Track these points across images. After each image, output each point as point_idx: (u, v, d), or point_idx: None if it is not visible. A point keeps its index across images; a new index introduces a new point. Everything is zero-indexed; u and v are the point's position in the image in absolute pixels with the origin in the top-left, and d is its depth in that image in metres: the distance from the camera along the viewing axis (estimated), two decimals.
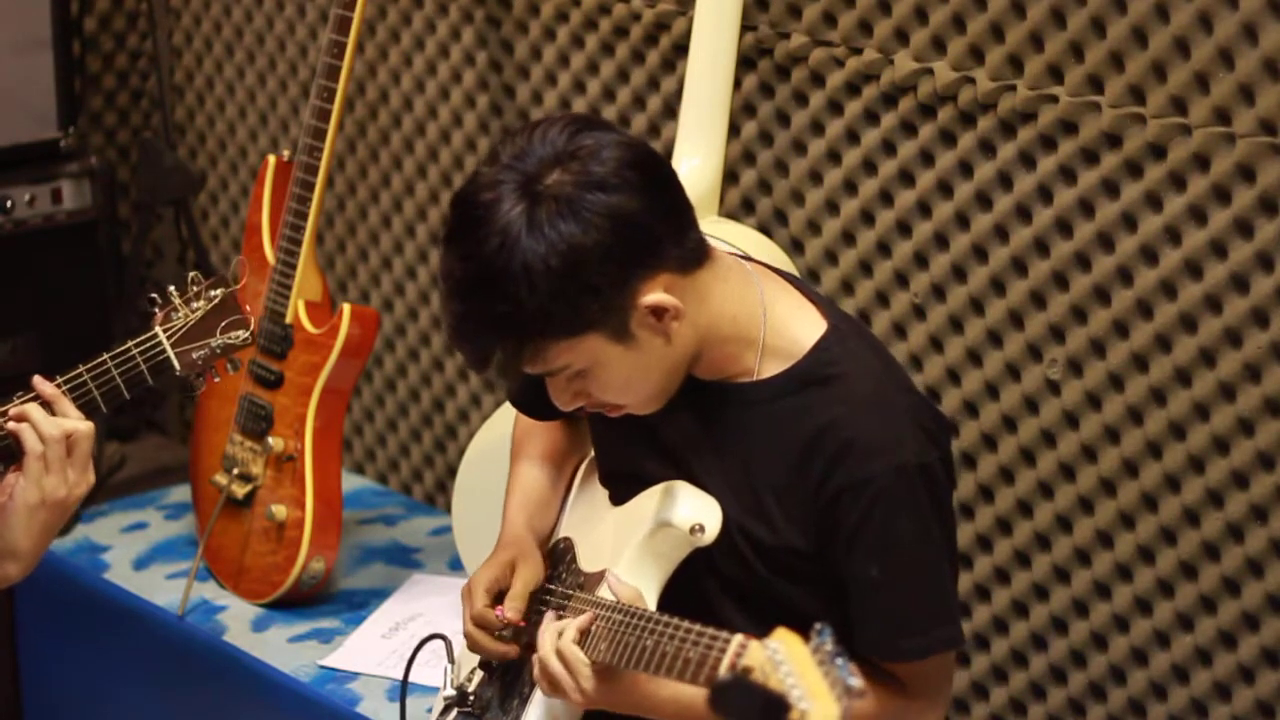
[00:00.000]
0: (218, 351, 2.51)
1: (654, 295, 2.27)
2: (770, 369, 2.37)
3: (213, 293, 2.53)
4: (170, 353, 2.49)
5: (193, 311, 2.51)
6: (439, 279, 2.31)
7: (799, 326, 2.38)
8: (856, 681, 1.78)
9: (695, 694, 2.31)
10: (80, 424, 2.41)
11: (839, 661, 1.79)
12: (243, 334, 2.52)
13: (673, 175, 2.33)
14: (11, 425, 2.40)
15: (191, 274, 2.55)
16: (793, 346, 2.37)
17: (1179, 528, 2.81)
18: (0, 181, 3.77)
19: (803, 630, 1.85)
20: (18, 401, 2.42)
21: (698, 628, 2.14)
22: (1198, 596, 2.81)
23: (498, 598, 2.52)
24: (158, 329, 2.50)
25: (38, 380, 2.43)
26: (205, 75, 4.05)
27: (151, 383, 2.46)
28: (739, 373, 2.38)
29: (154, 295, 2.54)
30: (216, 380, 2.54)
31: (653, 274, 2.27)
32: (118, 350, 2.47)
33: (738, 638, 2.02)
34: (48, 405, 2.42)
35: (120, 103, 4.16)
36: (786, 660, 1.82)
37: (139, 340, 2.48)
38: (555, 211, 2.22)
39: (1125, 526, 2.86)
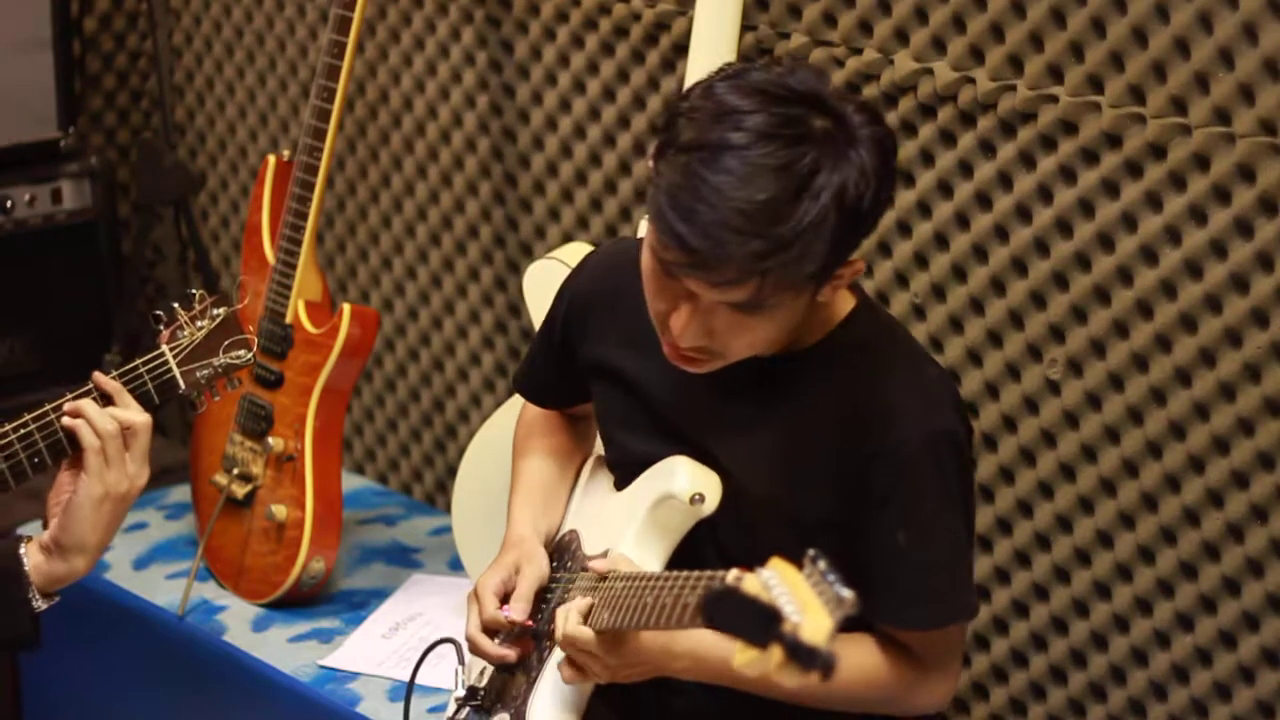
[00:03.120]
0: (220, 371, 2.53)
1: (858, 263, 2.29)
2: (807, 339, 2.39)
3: (215, 311, 2.54)
4: (176, 371, 2.50)
5: (197, 330, 2.52)
6: (722, 181, 2.16)
7: (833, 299, 2.38)
8: (848, 593, 1.79)
9: (712, 645, 2.31)
10: (137, 416, 2.43)
11: (831, 578, 1.81)
12: (245, 354, 2.53)
13: None
14: (67, 421, 2.43)
15: (198, 292, 2.56)
16: (828, 316, 2.39)
17: (1179, 528, 2.81)
18: (0, 181, 3.77)
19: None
20: (72, 396, 2.45)
21: (694, 573, 2.14)
22: (1198, 596, 2.81)
23: (505, 600, 2.52)
24: (164, 348, 2.51)
25: (98, 375, 2.45)
26: (205, 75, 4.05)
27: (157, 401, 2.48)
28: (784, 346, 2.38)
29: (158, 313, 2.55)
30: (216, 400, 2.56)
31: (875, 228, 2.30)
32: (125, 369, 2.48)
33: (733, 571, 2.02)
34: (107, 400, 2.44)
35: (120, 103, 4.17)
36: (780, 584, 1.83)
37: (146, 359, 2.50)
38: (857, 145, 2.19)
39: (1125, 526, 2.87)
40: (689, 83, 3.04)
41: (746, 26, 3.09)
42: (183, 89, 4.10)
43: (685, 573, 2.17)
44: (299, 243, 3.29)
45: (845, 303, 2.41)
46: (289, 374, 3.31)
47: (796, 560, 1.90)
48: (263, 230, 3.38)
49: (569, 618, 2.36)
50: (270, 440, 3.31)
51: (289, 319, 3.30)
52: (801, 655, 1.78)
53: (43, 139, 3.84)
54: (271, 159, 3.41)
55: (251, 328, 2.55)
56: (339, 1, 3.25)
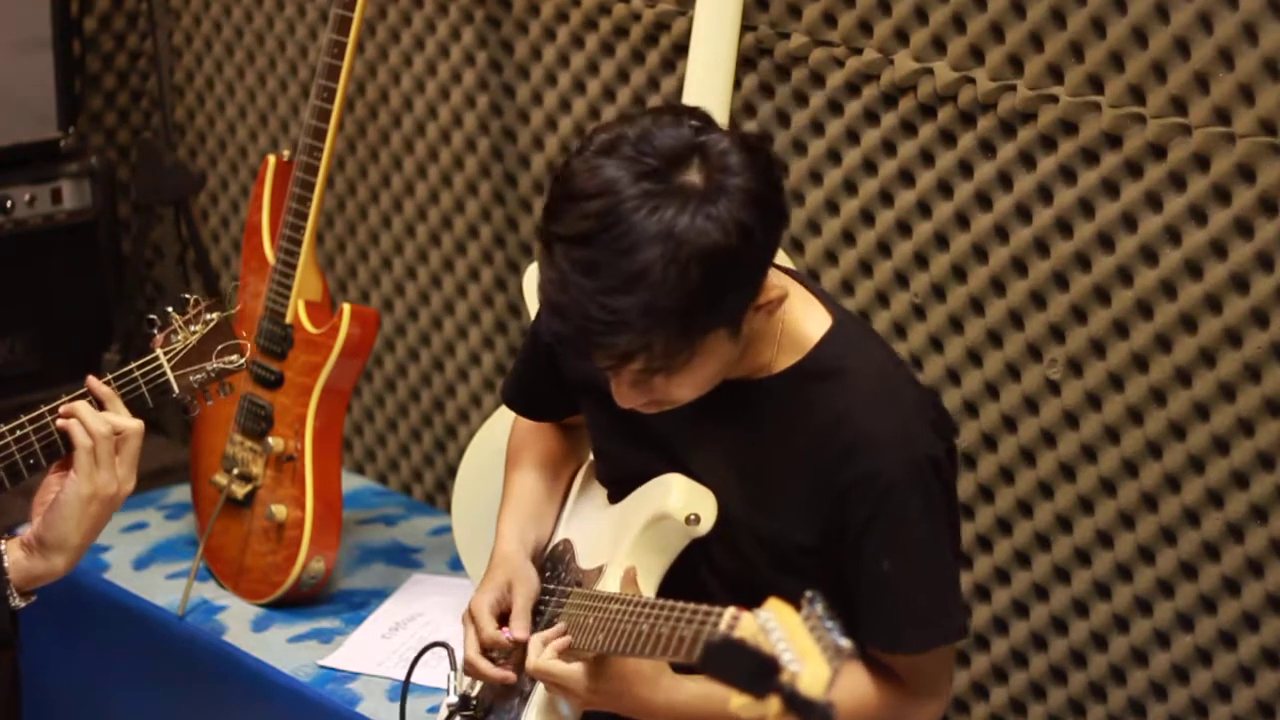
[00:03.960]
0: (213, 375, 2.54)
1: (775, 289, 2.28)
2: (782, 363, 2.38)
3: (208, 316, 2.55)
4: (170, 375, 2.52)
5: (190, 334, 2.53)
6: (579, 279, 2.19)
7: (807, 321, 2.39)
8: (846, 642, 1.79)
9: (690, 695, 2.32)
10: (129, 422, 2.44)
11: (829, 625, 1.80)
12: (237, 359, 2.55)
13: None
14: (60, 422, 2.44)
15: (192, 297, 2.57)
16: (802, 340, 2.38)
17: (1179, 528, 2.81)
18: (0, 181, 3.77)
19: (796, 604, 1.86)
20: (67, 399, 2.46)
21: (691, 606, 2.14)
22: (1198, 596, 2.81)
23: (502, 619, 2.52)
24: (159, 351, 2.52)
25: (92, 380, 2.47)
26: (205, 75, 4.05)
27: (151, 405, 2.50)
28: (757, 369, 2.38)
29: (152, 317, 2.56)
30: (210, 404, 2.57)
31: (773, 261, 2.28)
32: (121, 372, 2.51)
33: (730, 610, 2.02)
34: (100, 405, 2.45)
35: (120, 103, 4.17)
36: (778, 628, 1.83)
37: (140, 363, 2.52)
38: (716, 198, 2.18)
39: (1125, 526, 2.86)
40: (689, 83, 3.05)
41: (746, 26, 3.09)
42: (183, 89, 4.10)
43: (682, 605, 2.16)
44: (299, 243, 3.29)
45: (820, 323, 2.39)
46: (289, 374, 3.31)
47: (788, 591, 1.89)
48: (263, 230, 3.38)
49: (545, 652, 2.36)
50: (270, 440, 3.31)
51: (289, 319, 3.30)
52: (799, 706, 1.77)
53: (43, 139, 3.84)
54: (271, 159, 3.41)
55: (245, 333, 2.56)
56: (339, 1, 3.25)
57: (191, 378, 2.53)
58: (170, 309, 2.56)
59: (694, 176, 2.19)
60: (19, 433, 2.45)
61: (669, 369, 2.25)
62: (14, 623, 2.45)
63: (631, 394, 2.31)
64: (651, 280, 2.16)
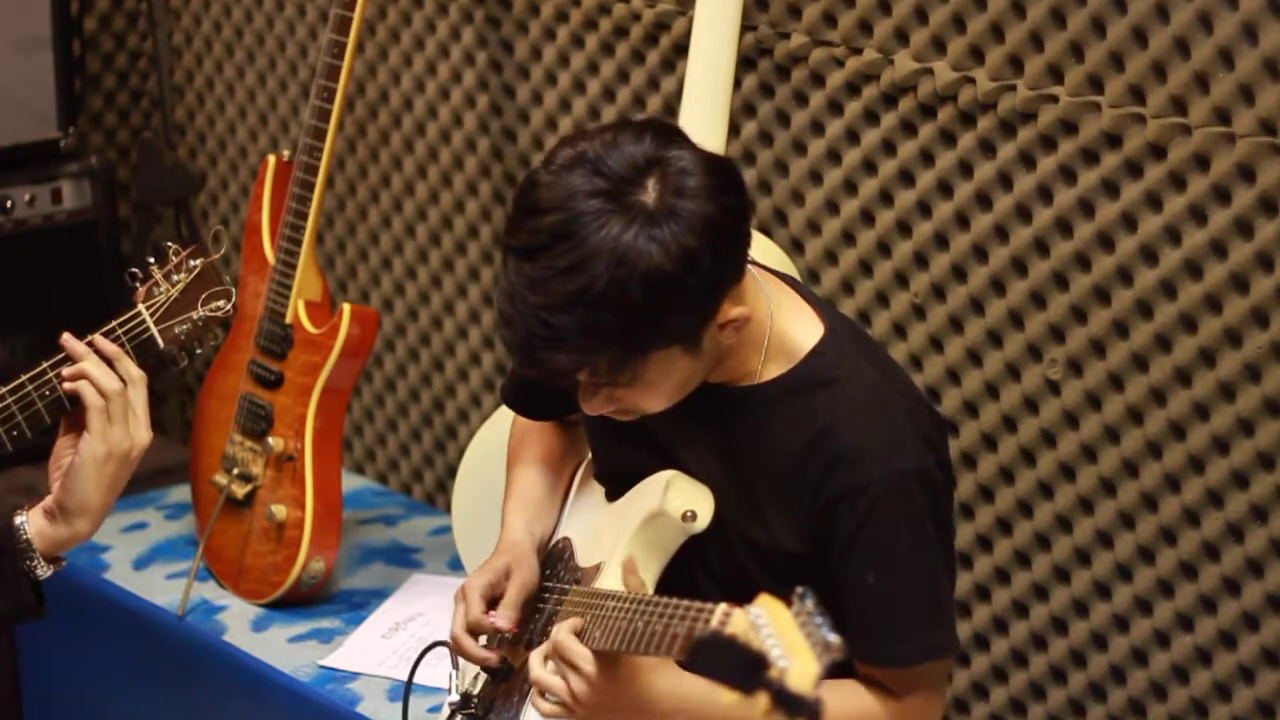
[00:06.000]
0: (199, 324, 2.50)
1: (738, 309, 2.27)
2: (770, 372, 2.38)
3: (192, 263, 2.51)
4: (154, 329, 2.48)
5: (173, 285, 2.50)
6: (525, 292, 2.20)
7: (799, 330, 2.38)
8: (836, 638, 1.79)
9: (693, 683, 2.31)
10: (135, 373, 2.42)
11: (819, 620, 1.81)
12: (224, 305, 2.51)
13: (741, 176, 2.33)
14: (68, 385, 2.41)
15: (171, 245, 2.54)
16: (793, 349, 2.37)
17: (1179, 528, 2.81)
18: (0, 181, 3.77)
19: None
20: (61, 358, 2.43)
21: (685, 603, 2.14)
22: (1198, 596, 2.81)
23: (492, 603, 2.52)
24: (140, 305, 2.49)
25: (97, 338, 2.44)
26: (205, 75, 4.05)
27: (136, 361, 2.46)
28: (743, 375, 2.38)
29: (133, 270, 2.52)
30: (200, 353, 2.53)
31: (735, 283, 2.27)
32: (103, 330, 2.46)
33: (721, 606, 2.02)
34: (106, 362, 2.42)
35: (120, 103, 4.17)
36: (769, 624, 1.83)
37: (123, 319, 2.47)
38: (665, 220, 2.18)
39: (1125, 526, 2.86)
40: (689, 83, 3.05)
41: (746, 26, 3.09)
42: (183, 89, 4.10)
43: (676, 601, 2.16)
44: (299, 243, 3.29)
45: (812, 332, 2.39)
46: (289, 374, 3.31)
47: (781, 590, 1.89)
48: (263, 230, 3.38)
49: (563, 630, 2.35)
50: (270, 440, 3.31)
51: (289, 319, 3.31)
52: (788, 702, 1.78)
53: (43, 139, 3.84)
54: (271, 159, 3.41)
55: (229, 277, 2.53)
56: (339, 1, 3.25)
57: (177, 329, 2.49)
58: (151, 260, 2.52)
59: (647, 195, 2.19)
60: (20, 393, 2.43)
61: (615, 383, 2.26)
62: (38, 593, 2.42)
63: (594, 403, 2.32)
64: (590, 299, 2.17)
